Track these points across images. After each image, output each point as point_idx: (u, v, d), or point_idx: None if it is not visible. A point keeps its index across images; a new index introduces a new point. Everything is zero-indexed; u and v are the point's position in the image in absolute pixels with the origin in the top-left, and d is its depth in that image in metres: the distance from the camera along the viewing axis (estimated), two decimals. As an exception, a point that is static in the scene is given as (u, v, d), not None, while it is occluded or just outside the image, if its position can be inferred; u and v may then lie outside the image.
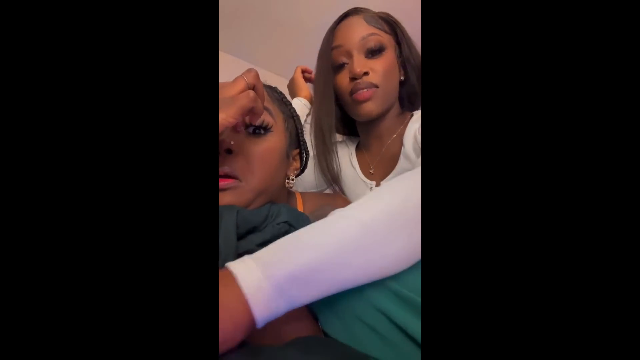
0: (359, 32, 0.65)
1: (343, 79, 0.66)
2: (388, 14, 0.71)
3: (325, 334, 0.30)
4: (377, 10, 0.73)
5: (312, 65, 0.75)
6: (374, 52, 0.65)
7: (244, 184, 0.42)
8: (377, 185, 0.71)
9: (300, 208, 0.57)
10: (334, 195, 0.64)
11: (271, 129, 0.46)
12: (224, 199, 0.41)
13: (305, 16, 1.75)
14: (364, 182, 0.72)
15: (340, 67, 0.67)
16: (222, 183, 0.41)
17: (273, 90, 0.53)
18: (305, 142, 0.57)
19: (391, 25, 0.70)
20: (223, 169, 0.42)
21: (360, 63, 0.64)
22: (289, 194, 0.60)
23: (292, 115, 0.53)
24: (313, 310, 0.31)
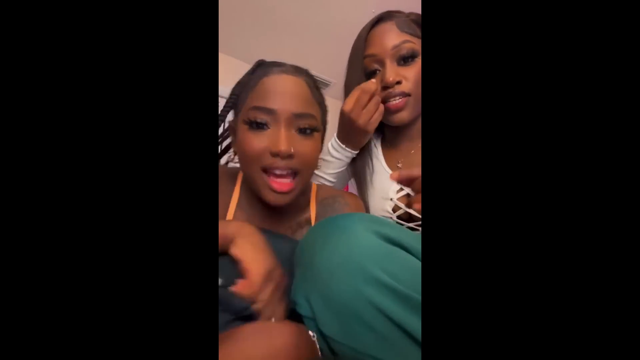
0: (392, 40, 0.65)
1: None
2: (420, 15, 0.70)
3: (322, 334, 0.29)
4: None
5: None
6: (406, 59, 0.65)
7: (299, 177, 0.48)
8: None
9: (313, 197, 0.59)
10: (348, 192, 0.65)
11: (317, 129, 0.50)
12: (283, 199, 0.47)
13: (306, 17, 1.75)
14: (390, 174, 0.72)
15: (372, 73, 0.67)
16: (285, 187, 0.46)
17: (309, 77, 0.53)
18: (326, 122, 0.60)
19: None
20: (285, 167, 0.46)
21: (392, 72, 0.64)
22: None
23: (323, 101, 0.56)
24: (305, 315, 0.31)
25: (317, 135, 0.50)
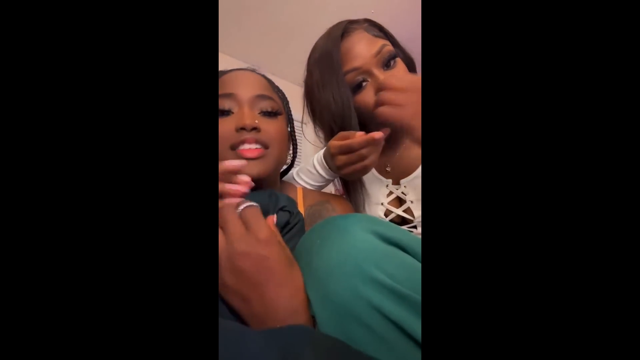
0: (370, 48, 0.60)
1: (369, 97, 0.61)
2: (370, 20, 0.69)
3: None
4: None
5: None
6: (388, 63, 0.61)
7: (270, 151, 0.48)
8: (394, 183, 0.71)
9: (300, 201, 0.59)
10: (335, 195, 0.64)
11: (280, 112, 0.52)
12: (254, 168, 0.46)
13: (306, 17, 1.75)
14: (380, 179, 0.72)
15: (359, 85, 0.62)
16: (254, 152, 0.47)
17: (272, 83, 0.56)
18: (295, 135, 0.61)
19: (380, 28, 0.68)
20: (252, 140, 0.47)
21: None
22: (290, 187, 0.61)
23: (283, 95, 0.58)
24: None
25: (280, 118, 0.52)
